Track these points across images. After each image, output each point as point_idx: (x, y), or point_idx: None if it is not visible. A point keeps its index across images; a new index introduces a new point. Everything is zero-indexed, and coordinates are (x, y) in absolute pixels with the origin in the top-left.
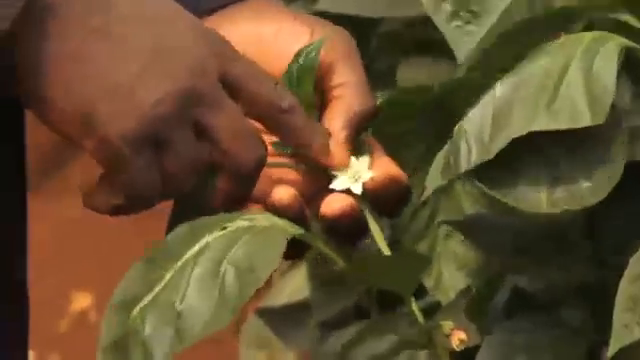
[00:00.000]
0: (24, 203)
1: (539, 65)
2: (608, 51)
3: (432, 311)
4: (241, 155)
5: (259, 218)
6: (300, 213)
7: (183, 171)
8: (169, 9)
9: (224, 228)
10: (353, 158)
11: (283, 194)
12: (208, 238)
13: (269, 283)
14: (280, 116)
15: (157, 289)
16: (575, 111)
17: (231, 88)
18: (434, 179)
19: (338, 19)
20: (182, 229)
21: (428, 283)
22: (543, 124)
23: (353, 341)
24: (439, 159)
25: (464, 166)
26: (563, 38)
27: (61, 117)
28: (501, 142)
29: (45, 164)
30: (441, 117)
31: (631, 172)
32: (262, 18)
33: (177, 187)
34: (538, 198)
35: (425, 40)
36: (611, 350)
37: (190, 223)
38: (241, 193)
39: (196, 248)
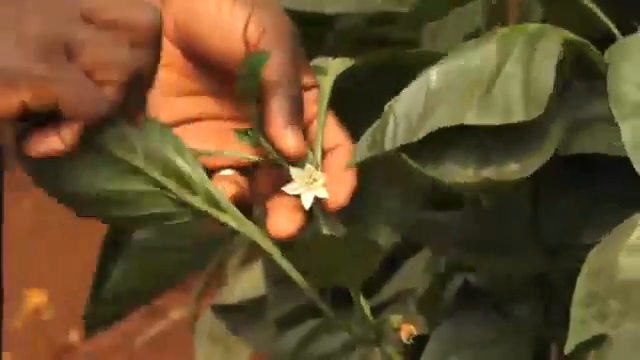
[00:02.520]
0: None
1: (478, 54)
2: (549, 44)
3: (384, 308)
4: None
5: None
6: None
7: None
8: None
9: None
10: (311, 166)
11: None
12: None
13: (223, 280)
14: None
15: None
16: (509, 106)
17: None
18: (360, 153)
19: (292, 16)
20: None
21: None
22: (474, 118)
23: (308, 338)
24: (367, 134)
25: (388, 146)
26: (505, 28)
27: None
28: (428, 129)
29: None
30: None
31: (573, 164)
32: None
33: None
34: (465, 173)
35: (381, 38)
36: (568, 346)
37: None
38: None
39: None
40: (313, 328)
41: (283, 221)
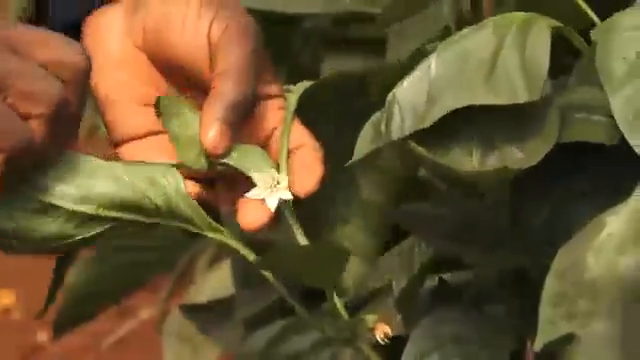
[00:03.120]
0: None
1: (473, 42)
2: (540, 29)
3: (357, 306)
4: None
5: None
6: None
7: None
8: None
9: None
10: (273, 169)
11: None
12: None
13: (192, 280)
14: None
15: None
16: (512, 87)
17: None
18: (362, 147)
19: (258, 16)
20: None
21: None
22: (482, 99)
23: (277, 338)
24: (367, 128)
25: (397, 134)
26: (494, 18)
27: None
28: (438, 113)
29: None
30: (358, 100)
31: (553, 157)
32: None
33: None
34: (470, 162)
35: (350, 37)
36: (537, 345)
37: None
38: None
39: None
40: (282, 328)
41: (253, 213)
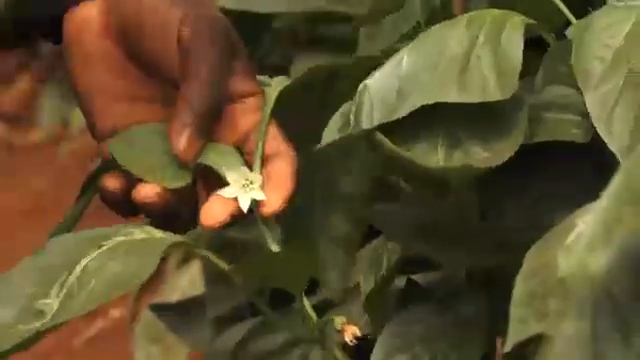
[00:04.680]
0: None
1: (446, 37)
2: (514, 26)
3: (327, 306)
4: None
5: (136, 232)
6: (169, 210)
7: None
8: None
9: (101, 246)
10: (246, 169)
11: (148, 191)
12: (87, 259)
13: (162, 279)
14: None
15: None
16: (485, 85)
17: None
18: (329, 135)
19: (231, 15)
20: (57, 247)
21: None
22: (454, 96)
23: (246, 337)
24: (337, 117)
25: (366, 124)
26: (468, 14)
27: None
28: (408, 107)
29: None
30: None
31: (521, 157)
32: None
33: None
34: (435, 157)
35: (319, 36)
36: (507, 345)
37: (64, 239)
38: None
39: (76, 271)
40: (252, 327)
41: (215, 209)
